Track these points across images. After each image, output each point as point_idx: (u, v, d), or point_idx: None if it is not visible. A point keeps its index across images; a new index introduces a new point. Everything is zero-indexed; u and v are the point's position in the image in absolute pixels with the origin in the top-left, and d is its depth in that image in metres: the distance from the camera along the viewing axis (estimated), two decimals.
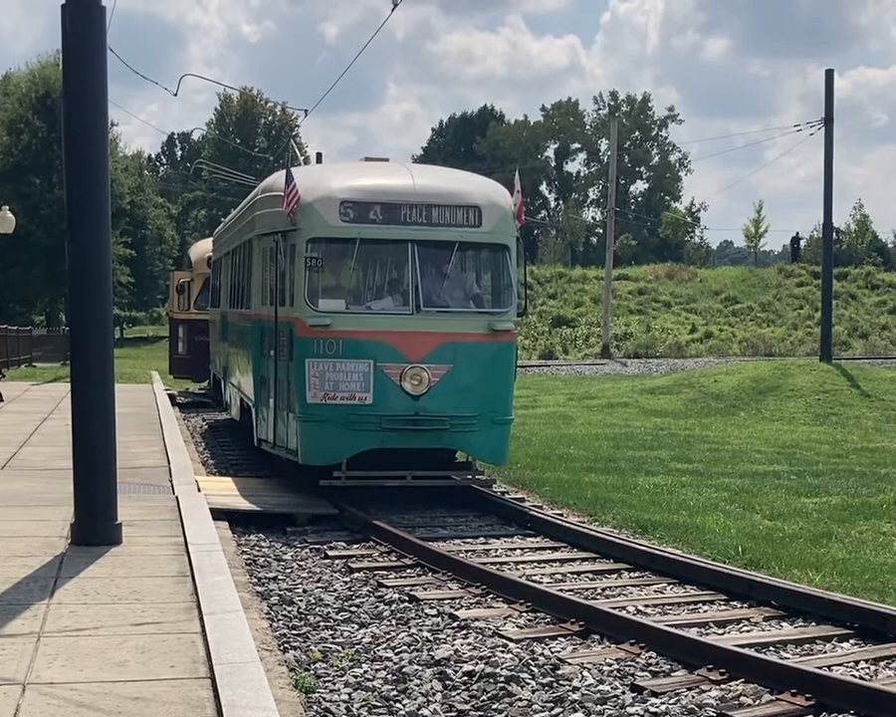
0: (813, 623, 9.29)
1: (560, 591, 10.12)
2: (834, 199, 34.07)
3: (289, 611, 9.50)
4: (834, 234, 53.65)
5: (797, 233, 78.49)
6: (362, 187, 14.11)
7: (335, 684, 7.62)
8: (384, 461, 13.88)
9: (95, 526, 9.82)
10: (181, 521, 10.93)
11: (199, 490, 13.16)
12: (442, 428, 13.72)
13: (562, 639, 8.77)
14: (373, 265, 15.10)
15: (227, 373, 20.87)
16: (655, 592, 10.40)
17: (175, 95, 30.50)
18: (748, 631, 9.15)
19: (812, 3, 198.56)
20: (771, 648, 8.57)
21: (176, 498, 12.27)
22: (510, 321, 14.32)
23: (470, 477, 14.51)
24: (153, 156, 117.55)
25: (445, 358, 13.71)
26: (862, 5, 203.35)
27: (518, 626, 9.12)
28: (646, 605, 9.84)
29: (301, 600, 9.87)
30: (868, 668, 8.20)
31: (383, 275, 15.11)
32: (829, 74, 34.72)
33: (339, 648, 8.43)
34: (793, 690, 7.41)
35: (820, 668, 7.90)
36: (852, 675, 7.98)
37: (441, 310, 13.96)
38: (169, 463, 15.21)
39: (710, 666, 7.95)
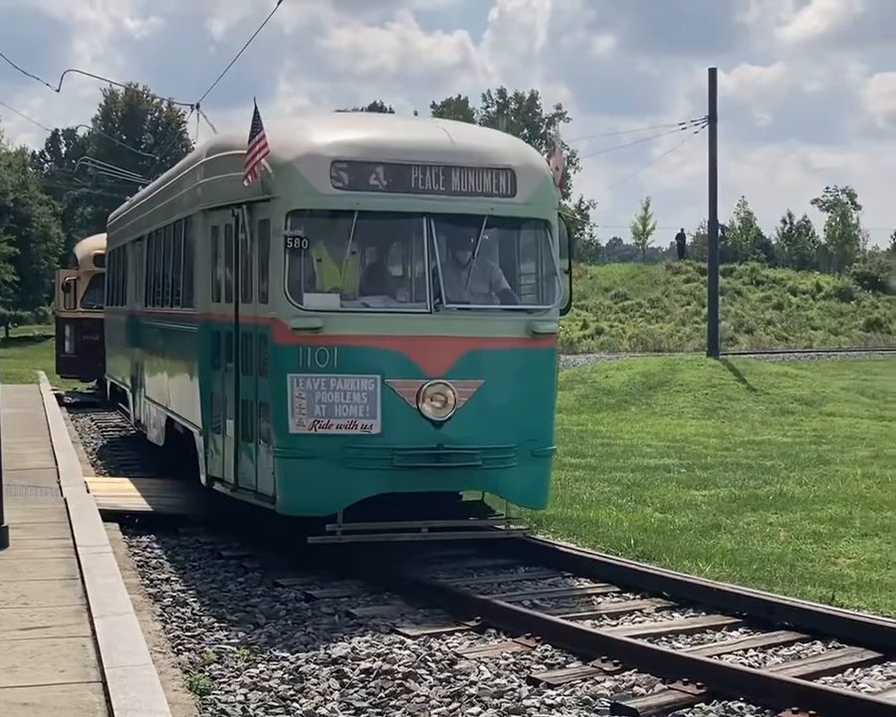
0: (704, 613, 9.46)
1: (457, 586, 10.16)
2: (719, 197, 34.67)
3: (182, 613, 9.39)
4: (720, 231, 54.73)
5: (682, 230, 79.81)
6: (360, 142, 10.62)
7: (230, 685, 7.55)
8: (376, 499, 10.38)
9: None
10: (70, 523, 10.73)
11: (88, 491, 12.93)
12: (472, 464, 10.34)
13: (459, 635, 8.80)
14: (376, 247, 11.70)
15: (140, 385, 17.30)
16: (549, 585, 10.49)
17: (58, 90, 29.99)
18: (640, 622, 9.29)
19: (699, 1, 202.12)
20: (663, 638, 8.70)
21: (65, 500, 12.04)
22: (553, 321, 11.02)
23: (504, 527, 11.22)
24: (37, 153, 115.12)
25: (474, 371, 10.35)
26: (747, 4, 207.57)
27: (415, 623, 9.12)
28: (541, 599, 9.92)
29: (195, 602, 9.76)
30: (757, 656, 8.39)
31: (390, 260, 11.76)
32: (713, 72, 35.30)
33: (235, 649, 8.35)
34: (685, 679, 7.55)
35: (711, 657, 8.06)
36: (742, 663, 8.15)
37: (468, 307, 10.62)
38: (57, 464, 14.91)
39: (604, 657, 8.05)
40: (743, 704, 7.25)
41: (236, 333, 11.07)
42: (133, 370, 18.00)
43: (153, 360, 16.03)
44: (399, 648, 8.33)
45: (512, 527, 11.17)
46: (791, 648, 8.58)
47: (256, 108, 10.34)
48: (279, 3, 17.78)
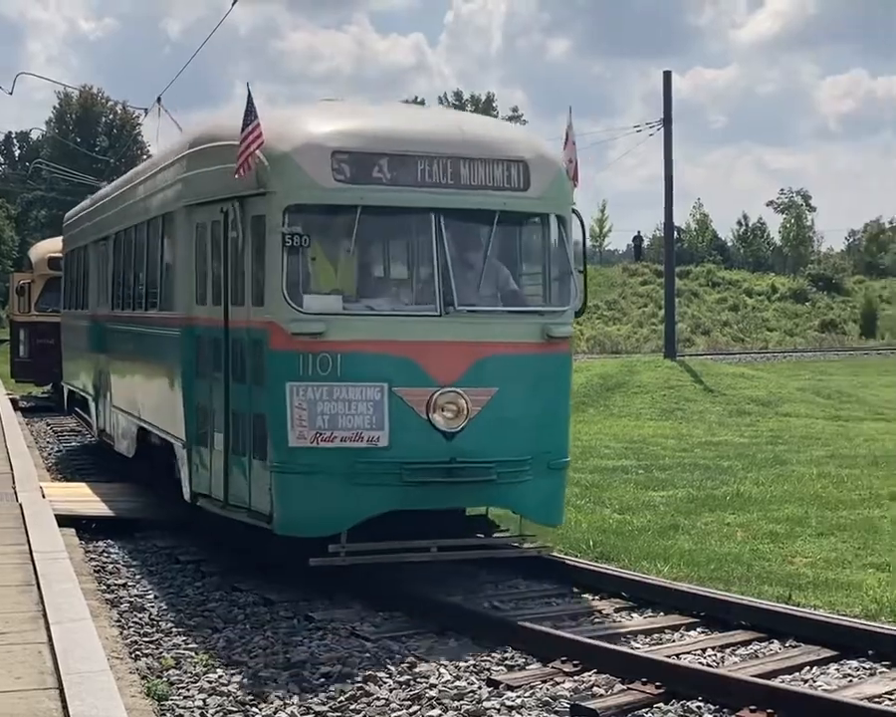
0: (662, 613, 9.51)
1: (417, 588, 10.14)
2: (675, 199, 34.83)
3: (140, 618, 9.33)
4: (676, 233, 55.06)
5: (639, 232, 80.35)
6: (362, 132, 9.90)
7: (188, 691, 7.52)
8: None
9: None
10: (25, 528, 10.61)
11: (44, 496, 12.81)
12: (487, 479, 9.66)
13: (419, 637, 8.79)
14: (381, 245, 11.06)
15: (105, 393, 16.31)
16: (509, 587, 10.50)
17: (11, 93, 29.66)
18: (599, 623, 9.32)
19: (653, 4, 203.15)
20: (622, 639, 8.73)
21: (20, 505, 11.90)
22: (568, 324, 10.41)
23: (517, 544, 10.54)
24: None
25: (487, 378, 9.70)
26: (700, 6, 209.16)
27: (374, 626, 9.11)
28: (501, 601, 9.93)
29: (152, 607, 9.69)
30: (715, 655, 8.44)
31: (395, 260, 11.21)
32: (667, 75, 35.50)
33: (193, 654, 8.31)
34: (644, 679, 7.59)
35: (669, 657, 8.10)
36: (700, 662, 8.19)
37: (480, 310, 9.94)
38: (12, 469, 14.74)
39: (564, 658, 8.08)
40: (701, 703, 7.30)
41: (225, 338, 10.28)
42: (97, 378, 17.03)
43: (122, 367, 15.15)
44: (359, 652, 8.32)
45: (526, 545, 10.46)
46: (749, 648, 8.64)
47: (249, 94, 9.61)
48: (233, 4, 17.71)
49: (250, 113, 9.58)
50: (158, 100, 24.76)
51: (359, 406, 9.38)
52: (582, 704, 7.23)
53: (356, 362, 9.43)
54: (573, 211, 10.52)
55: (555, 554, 11.19)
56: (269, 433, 9.59)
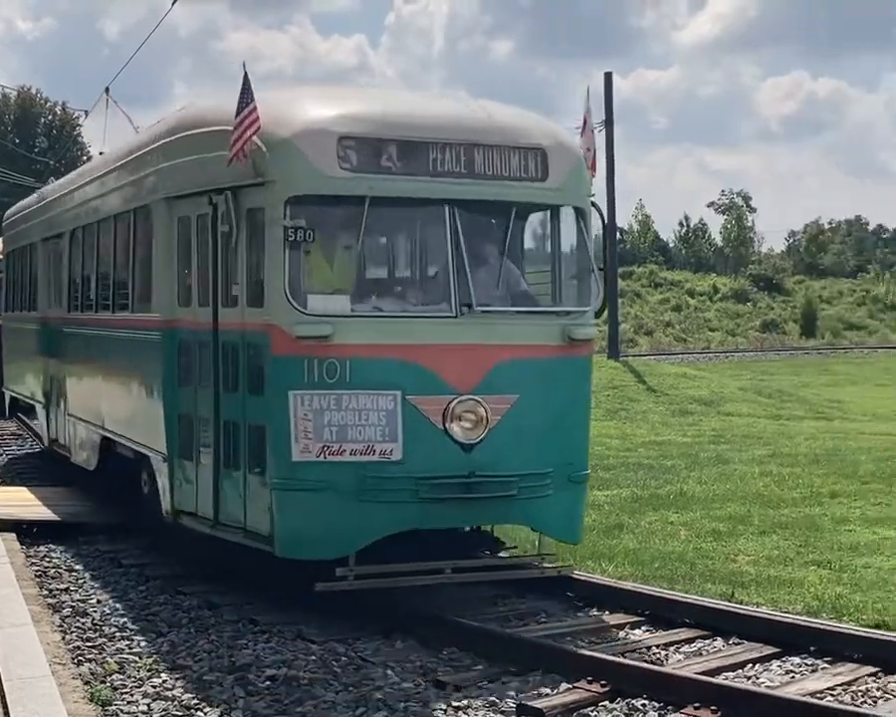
0: (608, 612, 9.56)
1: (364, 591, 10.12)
2: (618, 200, 35.20)
3: (82, 623, 9.22)
4: (618, 234, 55.36)
5: None
6: (370, 116, 9.12)
7: (132, 695, 7.44)
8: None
9: None
10: None
11: None
12: (508, 494, 8.96)
13: (365, 639, 8.77)
14: (390, 240, 10.45)
15: (58, 401, 15.23)
16: (456, 588, 10.50)
17: None
18: (545, 623, 9.35)
19: (595, 6, 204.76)
20: (568, 638, 8.77)
21: None
22: (590, 325, 9.69)
23: (536, 564, 9.85)
24: None
25: (507, 384, 8.99)
26: (642, 9, 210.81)
27: (319, 628, 9.08)
28: (449, 602, 9.93)
29: (95, 611, 9.59)
30: (659, 653, 8.50)
31: (406, 256, 10.51)
32: (608, 77, 35.73)
33: (137, 659, 8.24)
34: (590, 678, 7.62)
35: (615, 655, 8.15)
36: (645, 660, 8.25)
37: (499, 311, 9.26)
38: None
39: (510, 658, 8.10)
40: (646, 701, 7.35)
41: (215, 342, 9.48)
42: (47, 384, 15.94)
43: (82, 373, 14.18)
44: (305, 654, 8.29)
45: (546, 565, 9.78)
46: (693, 645, 8.71)
47: (246, 75, 8.81)
48: (173, 4, 17.58)
49: (246, 94, 8.76)
50: (107, 90, 24.12)
51: (371, 416, 8.64)
52: (528, 703, 7.25)
53: (367, 369, 8.70)
54: (592, 204, 9.88)
55: (500, 557, 11.20)
56: (268, 447, 8.81)
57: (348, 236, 9.24)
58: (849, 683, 7.75)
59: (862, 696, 7.54)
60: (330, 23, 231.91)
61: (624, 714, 7.23)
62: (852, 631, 8.57)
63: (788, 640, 8.50)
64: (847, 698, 7.50)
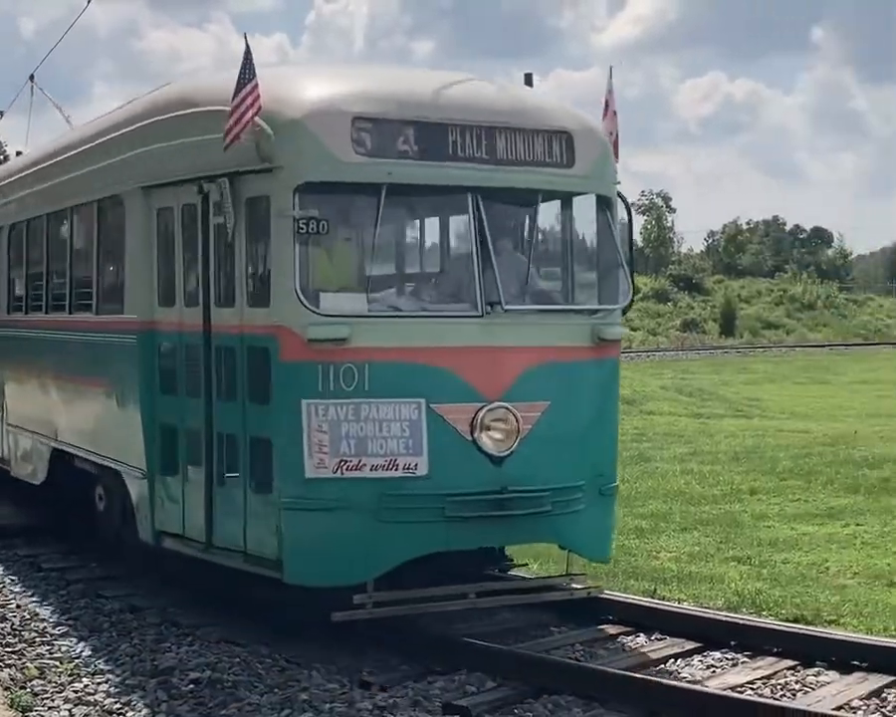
0: (533, 611, 9.59)
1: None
2: None
3: (2, 628, 9.10)
4: None
5: None
6: (387, 95, 8.27)
7: (53, 701, 7.37)
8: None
9: None
10: None
11: None
12: (541, 511, 8.17)
13: (289, 642, 8.69)
14: (408, 232, 9.65)
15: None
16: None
17: None
18: (470, 621, 9.33)
19: (515, 7, 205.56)
20: (492, 636, 8.79)
21: None
22: (619, 324, 8.93)
23: (565, 586, 8.99)
24: None
25: (538, 390, 8.22)
26: (561, 10, 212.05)
27: (242, 630, 8.99)
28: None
29: (14, 616, 9.45)
30: (584, 650, 8.57)
31: (425, 249, 9.67)
32: (528, 77, 35.55)
33: (58, 664, 8.13)
34: (515, 676, 7.67)
35: (539, 653, 8.20)
36: (569, 657, 8.31)
37: (528, 310, 8.54)
38: None
39: (435, 658, 8.13)
40: (570, 698, 7.40)
41: (206, 346, 8.55)
42: None
43: (26, 380, 12.97)
44: (229, 657, 8.23)
45: (575, 586, 8.95)
46: (616, 641, 8.79)
47: (248, 47, 7.85)
48: (88, 2, 17.31)
49: (247, 70, 7.81)
50: (31, 78, 23.15)
51: (393, 427, 7.84)
52: (454, 702, 7.28)
53: (388, 374, 7.90)
54: (618, 194, 9.04)
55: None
56: (276, 462, 7.98)
57: (363, 228, 8.59)
58: (769, 677, 7.89)
59: (782, 689, 7.69)
60: (250, 22, 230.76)
61: (549, 711, 7.28)
62: (772, 626, 8.72)
63: (710, 635, 8.62)
64: (767, 691, 7.63)
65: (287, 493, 7.88)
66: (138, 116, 9.86)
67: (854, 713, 7.22)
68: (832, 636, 8.41)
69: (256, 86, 7.75)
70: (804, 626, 8.76)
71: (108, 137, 10.49)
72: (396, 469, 7.83)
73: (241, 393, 8.26)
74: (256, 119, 7.77)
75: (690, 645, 8.54)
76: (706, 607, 9.40)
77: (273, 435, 8.01)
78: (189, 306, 8.88)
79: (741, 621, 8.79)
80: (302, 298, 7.76)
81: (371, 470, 7.80)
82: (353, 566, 7.86)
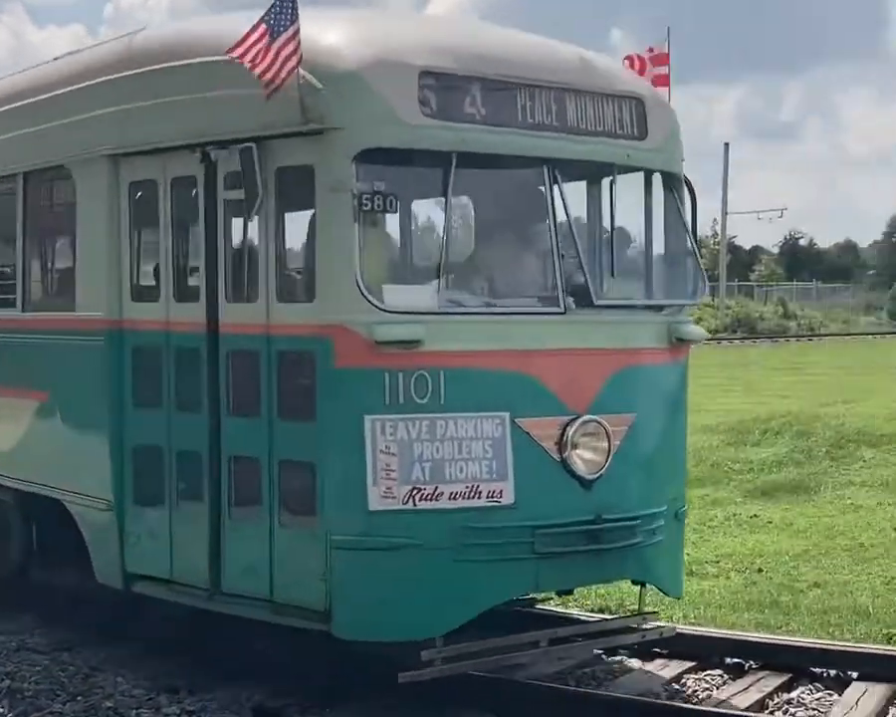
0: None
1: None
2: None
3: None
4: None
5: None
6: (455, 47, 6.91)
7: None
8: None
9: None
10: None
11: None
12: (632, 543, 7.00)
13: (96, 647, 8.42)
14: (477, 211, 7.96)
15: None
16: None
17: None
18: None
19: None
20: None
21: None
22: (692, 322, 7.74)
23: (637, 626, 7.73)
24: None
25: (624, 400, 7.04)
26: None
27: (44, 637, 8.73)
28: None
29: None
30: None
31: (496, 232, 7.91)
32: None
33: None
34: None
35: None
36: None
37: (615, 305, 7.33)
38: None
39: (251, 663, 7.88)
40: None
41: (212, 350, 7.08)
42: None
43: None
44: (29, 665, 7.99)
45: (647, 627, 7.69)
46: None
47: None
48: None
49: (288, 12, 6.32)
50: None
51: (474, 447, 6.53)
52: (266, 704, 7.19)
53: (467, 384, 6.57)
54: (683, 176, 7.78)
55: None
56: (325, 491, 6.54)
57: (429, 206, 7.52)
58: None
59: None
60: (45, 13, 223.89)
61: None
62: (579, 616, 8.65)
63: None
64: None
65: (341, 529, 6.50)
66: (112, 65, 7.98)
67: None
68: None
69: (297, 32, 6.31)
70: (608, 616, 8.63)
71: (59, 91, 8.52)
72: (479, 497, 6.53)
73: (266, 408, 6.79)
74: (300, 69, 6.34)
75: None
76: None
77: (319, 459, 6.58)
78: (182, 301, 7.42)
79: (548, 613, 8.55)
80: (365, 291, 6.36)
81: (450, 499, 6.49)
82: (424, 616, 6.52)
